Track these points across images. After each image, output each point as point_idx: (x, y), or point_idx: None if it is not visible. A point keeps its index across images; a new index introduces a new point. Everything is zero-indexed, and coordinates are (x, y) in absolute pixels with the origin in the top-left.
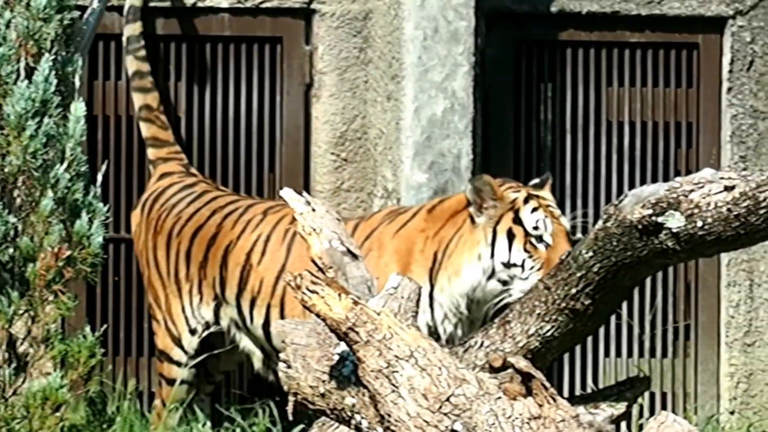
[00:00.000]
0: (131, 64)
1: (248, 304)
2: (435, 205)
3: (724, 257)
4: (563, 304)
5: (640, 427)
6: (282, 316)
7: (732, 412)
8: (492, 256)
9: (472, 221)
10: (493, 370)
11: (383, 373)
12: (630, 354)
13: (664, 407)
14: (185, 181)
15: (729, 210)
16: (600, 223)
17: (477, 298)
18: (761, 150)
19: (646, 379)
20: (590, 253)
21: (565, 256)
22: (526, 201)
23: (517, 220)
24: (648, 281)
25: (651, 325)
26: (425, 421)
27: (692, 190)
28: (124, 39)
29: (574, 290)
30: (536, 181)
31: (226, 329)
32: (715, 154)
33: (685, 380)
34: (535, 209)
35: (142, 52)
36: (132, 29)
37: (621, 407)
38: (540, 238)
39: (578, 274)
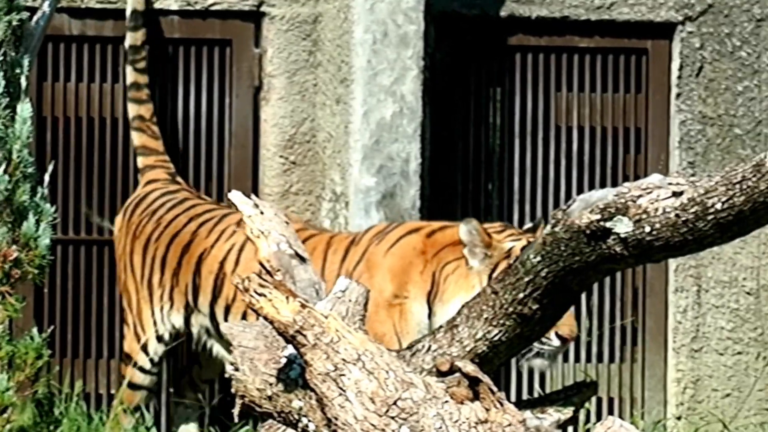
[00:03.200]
0: (130, 75)
1: (222, 311)
2: (435, 230)
3: (672, 263)
4: (511, 309)
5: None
6: None
7: (679, 418)
8: None
9: (467, 262)
10: (441, 374)
11: (330, 377)
12: (577, 359)
13: (611, 412)
14: (168, 188)
15: (677, 216)
16: (548, 227)
17: None
18: (709, 156)
19: (594, 384)
20: (538, 258)
21: (513, 260)
22: None
23: None
24: (595, 286)
25: (598, 330)
26: (372, 425)
27: (640, 196)
28: (125, 46)
29: (521, 295)
30: (530, 225)
31: (196, 337)
32: (663, 160)
33: (632, 385)
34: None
35: (142, 64)
36: (133, 38)
37: (568, 412)
38: None
39: (526, 279)
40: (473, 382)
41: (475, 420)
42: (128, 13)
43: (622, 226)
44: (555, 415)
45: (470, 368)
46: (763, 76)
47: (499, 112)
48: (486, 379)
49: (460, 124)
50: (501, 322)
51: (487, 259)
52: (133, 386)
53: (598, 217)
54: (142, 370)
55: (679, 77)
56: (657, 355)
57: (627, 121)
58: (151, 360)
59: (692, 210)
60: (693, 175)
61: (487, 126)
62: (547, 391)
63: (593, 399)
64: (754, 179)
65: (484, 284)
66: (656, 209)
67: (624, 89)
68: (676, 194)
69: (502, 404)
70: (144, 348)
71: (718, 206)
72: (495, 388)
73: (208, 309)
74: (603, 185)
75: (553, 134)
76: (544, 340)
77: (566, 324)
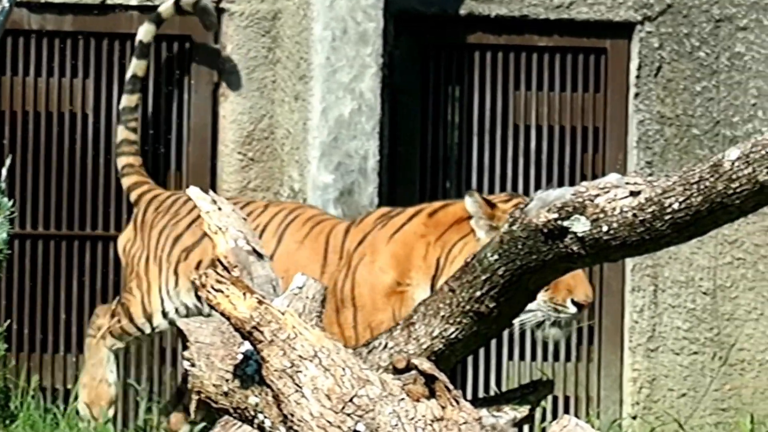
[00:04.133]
0: (121, 133)
1: None
2: (436, 209)
3: (629, 262)
4: (468, 307)
5: (543, 430)
6: None
7: (634, 417)
8: None
9: (475, 235)
10: (397, 372)
11: (287, 373)
12: (534, 357)
13: (567, 411)
14: (177, 192)
15: (634, 215)
16: (505, 226)
17: None
18: (667, 156)
19: (550, 382)
20: (495, 256)
21: (470, 258)
22: None
23: None
24: None
25: None
26: (328, 422)
27: (598, 195)
28: (120, 107)
29: (478, 293)
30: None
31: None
32: (621, 159)
33: (588, 384)
34: None
35: (134, 123)
36: (128, 100)
37: (524, 410)
38: None
39: (483, 277)
40: (429, 380)
41: (430, 417)
42: (128, 77)
43: (580, 225)
44: (511, 413)
45: (426, 366)
46: (722, 77)
47: (457, 110)
48: (442, 376)
49: (419, 121)
50: (458, 320)
51: (493, 231)
52: (119, 331)
53: (556, 216)
54: (137, 328)
55: (638, 77)
56: (613, 355)
57: (585, 120)
58: (152, 327)
59: (649, 210)
60: (651, 174)
61: (445, 124)
62: (504, 389)
63: (549, 398)
64: (711, 179)
65: None
66: (614, 209)
67: (582, 88)
68: (634, 194)
69: (458, 402)
70: (149, 317)
71: (676, 206)
72: (451, 386)
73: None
74: (561, 184)
75: (511, 133)
76: (559, 308)
77: (581, 289)
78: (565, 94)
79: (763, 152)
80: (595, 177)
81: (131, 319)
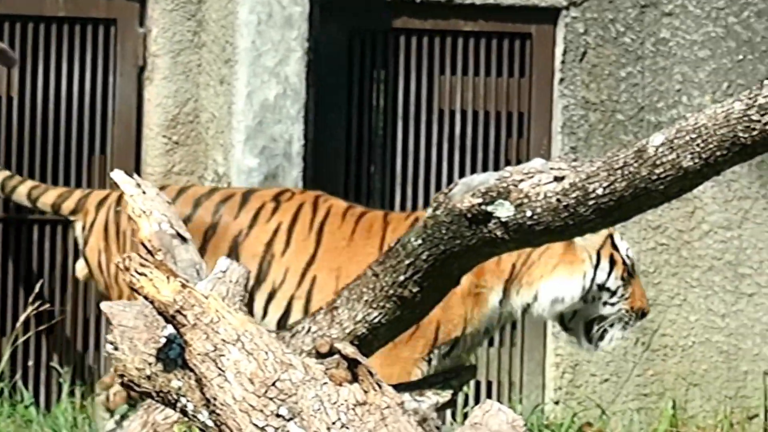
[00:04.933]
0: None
1: (265, 298)
2: None
3: None
4: (391, 291)
5: (465, 415)
6: (306, 309)
7: (557, 402)
8: (593, 277)
9: None
10: (320, 356)
11: (210, 357)
12: None
13: (489, 396)
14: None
15: (558, 200)
16: (429, 211)
17: (560, 312)
18: (592, 141)
19: (472, 367)
20: (419, 241)
21: (394, 243)
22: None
23: (615, 248)
24: None
25: None
26: (251, 406)
27: (522, 180)
28: None
29: (402, 277)
30: None
31: None
32: (546, 145)
33: (510, 369)
34: (621, 240)
35: None
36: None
37: (446, 395)
38: (631, 269)
39: (407, 262)
40: (352, 364)
41: (353, 402)
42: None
43: (503, 210)
44: (433, 397)
45: (349, 350)
46: (646, 63)
47: (382, 95)
48: (365, 361)
49: (344, 106)
50: (381, 304)
51: (594, 236)
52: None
53: (480, 200)
54: None
55: (563, 62)
56: (536, 340)
57: (510, 105)
58: None
59: (573, 195)
60: (575, 160)
61: (370, 108)
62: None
63: (472, 382)
64: (635, 165)
65: (593, 259)
66: (538, 194)
67: (508, 73)
68: (558, 179)
69: (380, 386)
70: None
71: (600, 191)
72: (374, 371)
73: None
74: (485, 169)
75: (436, 117)
76: (635, 315)
77: (646, 301)
78: (491, 79)
79: (687, 138)
80: (519, 162)
81: None
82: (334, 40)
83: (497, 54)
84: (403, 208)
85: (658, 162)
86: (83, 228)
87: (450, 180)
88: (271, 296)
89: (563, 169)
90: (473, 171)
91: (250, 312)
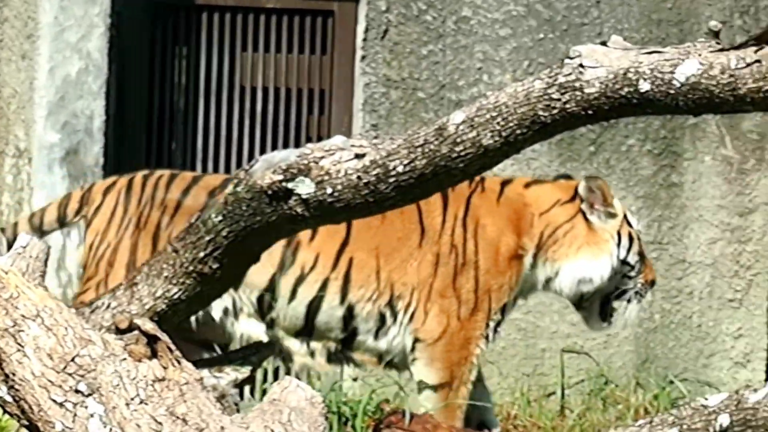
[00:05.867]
0: None
1: (293, 282)
2: (529, 183)
3: None
4: (191, 268)
5: (264, 391)
6: (345, 290)
7: (355, 379)
8: (618, 256)
9: (585, 217)
10: (120, 332)
11: (9, 332)
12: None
13: (288, 373)
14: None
15: (359, 178)
16: (230, 187)
17: (585, 291)
18: (392, 119)
19: (272, 344)
20: (219, 218)
21: (194, 219)
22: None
23: (629, 224)
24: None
25: None
26: (50, 381)
27: (323, 157)
28: None
29: (202, 254)
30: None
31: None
32: (347, 122)
33: None
34: (632, 216)
35: None
36: None
37: (245, 371)
38: (641, 248)
39: (207, 238)
40: (152, 340)
41: (152, 378)
42: None
43: (304, 187)
44: (232, 374)
45: (149, 326)
46: (448, 41)
47: (185, 71)
48: (164, 337)
49: (146, 82)
50: (181, 280)
51: (610, 214)
52: None
53: (281, 177)
54: None
55: (365, 40)
56: None
57: (312, 82)
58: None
59: (374, 172)
60: (376, 137)
61: (172, 84)
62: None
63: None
64: (436, 143)
65: (615, 237)
66: (338, 171)
67: (309, 51)
68: (359, 156)
69: (179, 362)
70: None
71: (400, 169)
72: (173, 347)
73: (266, 281)
74: (286, 146)
75: (237, 94)
76: (640, 289)
77: (654, 272)
78: (292, 56)
79: (487, 116)
80: (320, 139)
81: None
82: (137, 15)
83: (299, 31)
84: None
85: (458, 140)
86: (87, 216)
87: (251, 157)
88: (299, 281)
89: (364, 147)
90: (274, 148)
91: (269, 298)
